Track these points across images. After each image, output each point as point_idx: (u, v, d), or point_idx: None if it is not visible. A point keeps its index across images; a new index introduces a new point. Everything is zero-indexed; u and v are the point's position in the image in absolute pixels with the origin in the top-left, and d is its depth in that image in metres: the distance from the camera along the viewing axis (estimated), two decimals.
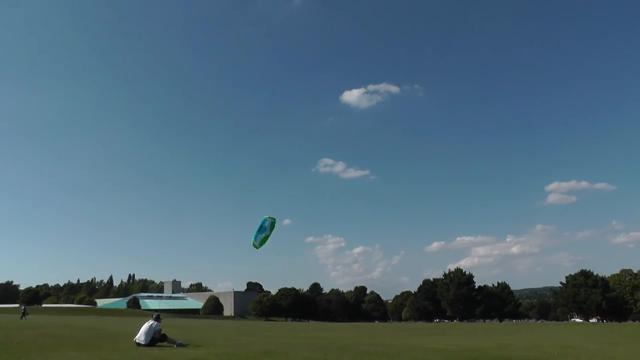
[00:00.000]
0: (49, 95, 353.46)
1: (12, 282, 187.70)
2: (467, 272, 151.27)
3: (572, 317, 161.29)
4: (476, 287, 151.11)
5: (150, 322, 18.07)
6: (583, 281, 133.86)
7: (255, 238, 21.57)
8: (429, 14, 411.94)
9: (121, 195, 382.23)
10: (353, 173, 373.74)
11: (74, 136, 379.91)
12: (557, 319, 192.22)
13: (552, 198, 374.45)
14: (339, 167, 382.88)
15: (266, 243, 21.89)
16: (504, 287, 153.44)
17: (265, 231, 21.76)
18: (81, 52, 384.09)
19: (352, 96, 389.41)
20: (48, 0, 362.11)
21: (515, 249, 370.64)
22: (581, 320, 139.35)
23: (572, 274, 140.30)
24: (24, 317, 56.10)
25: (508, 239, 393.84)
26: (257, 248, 21.63)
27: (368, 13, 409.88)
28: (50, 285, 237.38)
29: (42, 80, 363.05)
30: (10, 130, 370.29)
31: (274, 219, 22.05)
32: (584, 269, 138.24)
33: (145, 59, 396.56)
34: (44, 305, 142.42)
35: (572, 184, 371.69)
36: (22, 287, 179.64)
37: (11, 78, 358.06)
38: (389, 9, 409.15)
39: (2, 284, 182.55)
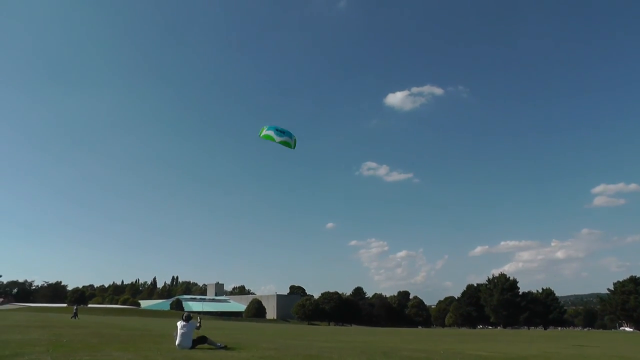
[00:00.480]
0: (94, 99, 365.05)
1: (60, 282, 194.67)
2: (511, 278, 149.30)
3: (621, 325, 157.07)
4: (520, 293, 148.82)
5: (181, 323, 17.81)
6: (633, 288, 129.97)
7: (269, 128, 19.97)
8: (470, 14, 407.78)
9: (166, 198, 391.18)
10: (397, 176, 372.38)
11: (119, 139, 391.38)
12: (604, 327, 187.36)
13: (598, 201, 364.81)
14: (383, 170, 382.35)
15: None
16: (548, 293, 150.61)
17: (281, 136, 20.25)
18: (124, 56, 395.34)
19: (395, 99, 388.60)
20: (91, 6, 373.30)
21: (560, 254, 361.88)
22: (631, 330, 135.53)
23: (621, 280, 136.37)
24: (75, 317, 58.78)
25: (553, 244, 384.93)
26: (259, 136, 19.86)
27: (410, 15, 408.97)
28: (95, 286, 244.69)
29: (87, 84, 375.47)
30: (56, 133, 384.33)
31: (291, 144, 20.58)
32: (633, 275, 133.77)
33: (188, 62, 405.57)
34: (89, 306, 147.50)
35: (620, 186, 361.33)
36: (69, 288, 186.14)
37: (57, 82, 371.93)
38: (431, 11, 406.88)
39: (51, 284, 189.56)
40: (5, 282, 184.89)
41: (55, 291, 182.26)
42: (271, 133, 19.66)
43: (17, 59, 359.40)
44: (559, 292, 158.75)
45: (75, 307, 66.17)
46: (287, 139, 20.17)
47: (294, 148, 20.15)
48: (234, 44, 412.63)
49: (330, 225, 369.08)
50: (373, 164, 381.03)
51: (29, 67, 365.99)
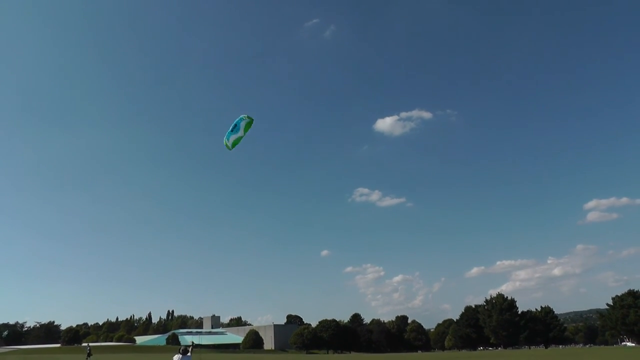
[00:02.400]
0: (81, 138, 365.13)
1: (53, 322, 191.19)
2: (509, 297, 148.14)
3: (622, 340, 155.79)
4: (519, 312, 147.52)
5: (178, 357, 17.43)
6: (632, 302, 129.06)
7: (228, 138, 19.86)
8: (456, 37, 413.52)
9: (158, 233, 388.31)
10: (389, 201, 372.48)
11: (108, 177, 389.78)
12: (606, 343, 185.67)
13: (592, 216, 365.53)
14: (375, 195, 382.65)
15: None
16: (547, 311, 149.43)
17: (238, 132, 20.06)
18: (110, 94, 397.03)
19: (385, 124, 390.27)
20: (77, 45, 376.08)
21: (557, 271, 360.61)
22: (633, 344, 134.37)
23: (619, 294, 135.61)
24: (89, 357, 57.60)
25: (549, 261, 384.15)
26: (229, 149, 19.96)
27: (396, 41, 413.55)
28: (89, 324, 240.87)
29: (72, 123, 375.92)
30: (43, 173, 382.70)
31: (252, 119, 20.33)
32: (631, 288, 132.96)
33: (174, 98, 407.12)
34: (83, 344, 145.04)
35: (612, 200, 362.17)
36: (63, 327, 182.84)
37: (41, 121, 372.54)
38: (417, 36, 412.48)
39: (44, 325, 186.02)
40: None
41: (48, 331, 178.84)
42: (233, 138, 19.53)
43: (2, 97, 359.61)
44: (558, 310, 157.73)
45: (88, 347, 64.03)
46: (241, 135, 19.96)
47: (246, 129, 19.89)
48: (221, 77, 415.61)
49: (325, 252, 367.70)
50: (365, 190, 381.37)
51: (12, 106, 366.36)
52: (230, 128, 19.57)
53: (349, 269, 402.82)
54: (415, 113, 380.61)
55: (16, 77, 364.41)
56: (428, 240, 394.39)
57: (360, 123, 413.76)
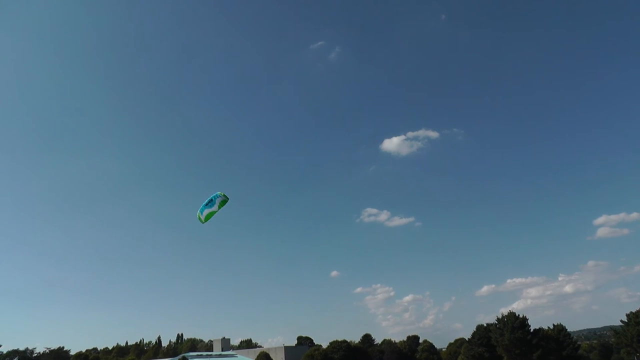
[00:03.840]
0: (88, 164, 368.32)
1: (63, 347, 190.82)
2: (521, 315, 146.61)
3: (638, 358, 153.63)
4: (531, 330, 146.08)
5: None
6: None
7: (201, 211, 20.12)
8: (461, 55, 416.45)
9: (166, 257, 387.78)
10: (398, 221, 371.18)
11: (114, 203, 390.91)
12: None
13: (601, 232, 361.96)
14: (384, 215, 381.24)
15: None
16: (560, 329, 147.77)
17: (212, 206, 20.27)
18: (118, 119, 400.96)
19: (392, 144, 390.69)
20: (87, 73, 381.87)
21: (568, 288, 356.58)
22: None
23: (634, 310, 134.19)
24: None
25: (560, 278, 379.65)
26: (202, 222, 20.13)
27: (401, 61, 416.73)
28: (99, 349, 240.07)
29: (81, 149, 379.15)
30: (50, 199, 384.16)
31: (227, 197, 20.41)
32: None
33: (182, 122, 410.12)
34: None
35: (622, 216, 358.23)
36: (72, 352, 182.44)
37: (50, 148, 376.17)
38: (421, 56, 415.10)
39: (53, 350, 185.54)
40: (4, 351, 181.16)
41: (57, 357, 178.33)
42: (206, 212, 19.76)
43: (11, 125, 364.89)
44: (571, 327, 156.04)
45: None
46: (214, 210, 20.13)
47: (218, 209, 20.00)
48: (227, 101, 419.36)
49: (334, 273, 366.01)
50: (374, 210, 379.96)
51: (21, 134, 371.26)
52: (206, 202, 20.07)
53: (358, 289, 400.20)
54: (421, 133, 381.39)
55: (26, 105, 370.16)
56: (437, 259, 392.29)
57: (367, 143, 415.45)
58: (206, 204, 19.56)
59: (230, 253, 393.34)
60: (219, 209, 19.73)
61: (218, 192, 19.35)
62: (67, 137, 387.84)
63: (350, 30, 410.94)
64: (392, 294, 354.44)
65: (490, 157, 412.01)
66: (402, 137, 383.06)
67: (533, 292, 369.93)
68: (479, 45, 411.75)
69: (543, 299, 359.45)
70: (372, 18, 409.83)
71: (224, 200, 19.44)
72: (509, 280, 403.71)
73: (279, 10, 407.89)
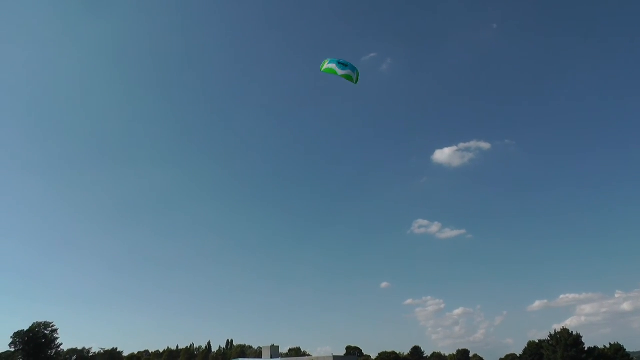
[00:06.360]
0: (144, 176, 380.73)
1: (116, 348, 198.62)
2: (575, 333, 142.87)
3: None
4: (586, 348, 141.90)
5: None
6: None
7: (332, 61, 17.29)
8: (513, 66, 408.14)
9: (219, 265, 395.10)
10: (449, 233, 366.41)
11: (172, 213, 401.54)
12: None
13: None
14: (435, 227, 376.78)
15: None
16: (617, 348, 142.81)
17: (342, 68, 17.34)
18: (173, 133, 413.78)
19: (443, 155, 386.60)
20: (145, 90, 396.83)
21: (626, 306, 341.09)
22: None
23: None
24: None
25: (617, 295, 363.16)
26: (320, 69, 17.17)
27: (452, 71, 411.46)
28: (150, 352, 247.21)
29: (137, 161, 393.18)
30: (111, 210, 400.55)
31: (354, 79, 17.82)
32: None
33: (234, 136, 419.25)
34: None
35: None
36: (125, 354, 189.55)
37: (110, 160, 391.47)
38: (472, 66, 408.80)
39: (107, 351, 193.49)
40: (65, 349, 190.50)
41: (111, 357, 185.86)
42: (333, 66, 18.76)
43: (75, 141, 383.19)
44: (629, 347, 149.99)
45: None
46: (349, 73, 19.22)
47: (356, 82, 19.35)
48: (279, 113, 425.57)
49: (384, 284, 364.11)
50: (425, 222, 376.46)
51: (85, 148, 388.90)
52: (343, 62, 18.86)
53: (408, 301, 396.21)
54: (473, 144, 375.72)
55: (90, 122, 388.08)
56: (489, 272, 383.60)
57: (419, 154, 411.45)
58: (339, 63, 19.00)
59: (282, 262, 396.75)
60: (339, 74, 19.25)
61: (355, 71, 18.88)
62: (126, 151, 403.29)
63: (402, 41, 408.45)
64: (442, 306, 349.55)
65: (543, 168, 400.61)
66: (454, 148, 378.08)
67: (587, 308, 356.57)
68: (530, 54, 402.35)
69: (598, 316, 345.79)
70: (422, 29, 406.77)
71: (350, 77, 19.07)
72: (562, 296, 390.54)
73: (332, 24, 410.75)
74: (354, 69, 18.46)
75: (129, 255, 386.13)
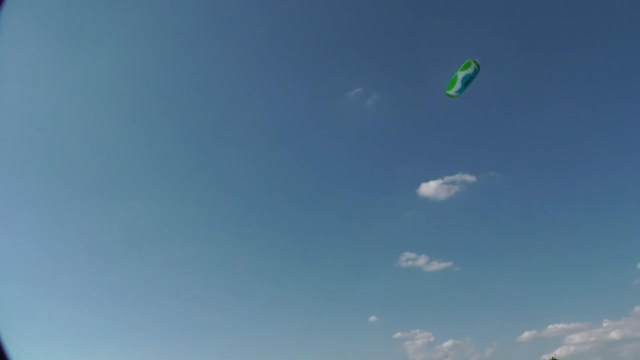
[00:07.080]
0: (156, 206, 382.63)
1: None
2: None
3: None
4: None
5: None
6: None
7: (459, 81, 18.53)
8: (496, 100, 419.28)
9: (215, 298, 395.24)
10: (437, 265, 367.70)
11: (180, 242, 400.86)
12: None
13: None
14: (422, 260, 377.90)
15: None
16: None
17: (463, 87, 18.66)
18: (180, 162, 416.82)
19: (429, 188, 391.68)
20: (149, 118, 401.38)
21: (615, 334, 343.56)
22: None
23: None
24: None
25: (605, 324, 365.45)
26: (450, 90, 18.72)
27: (436, 105, 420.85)
28: None
29: (150, 193, 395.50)
30: (119, 240, 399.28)
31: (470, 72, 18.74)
32: None
33: (236, 163, 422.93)
34: None
35: None
36: None
37: (116, 192, 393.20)
38: (455, 100, 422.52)
39: None
40: None
41: None
42: (455, 90, 19.27)
43: (76, 172, 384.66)
44: None
45: None
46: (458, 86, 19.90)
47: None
48: (263, 150, 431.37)
49: (373, 318, 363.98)
50: (412, 255, 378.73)
51: (92, 180, 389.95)
52: (465, 81, 20.20)
53: (397, 334, 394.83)
54: (458, 177, 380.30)
55: (100, 156, 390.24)
56: (477, 304, 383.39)
57: (405, 188, 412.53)
58: (465, 83, 19.28)
59: (263, 304, 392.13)
60: (461, 86, 19.28)
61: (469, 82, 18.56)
62: (133, 180, 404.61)
63: (388, 76, 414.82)
64: (431, 339, 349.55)
65: (528, 201, 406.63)
66: (440, 181, 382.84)
67: (576, 338, 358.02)
68: (515, 88, 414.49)
69: (587, 345, 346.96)
70: (408, 63, 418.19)
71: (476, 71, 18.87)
72: (550, 326, 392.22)
73: (318, 58, 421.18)
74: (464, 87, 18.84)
75: (136, 287, 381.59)
